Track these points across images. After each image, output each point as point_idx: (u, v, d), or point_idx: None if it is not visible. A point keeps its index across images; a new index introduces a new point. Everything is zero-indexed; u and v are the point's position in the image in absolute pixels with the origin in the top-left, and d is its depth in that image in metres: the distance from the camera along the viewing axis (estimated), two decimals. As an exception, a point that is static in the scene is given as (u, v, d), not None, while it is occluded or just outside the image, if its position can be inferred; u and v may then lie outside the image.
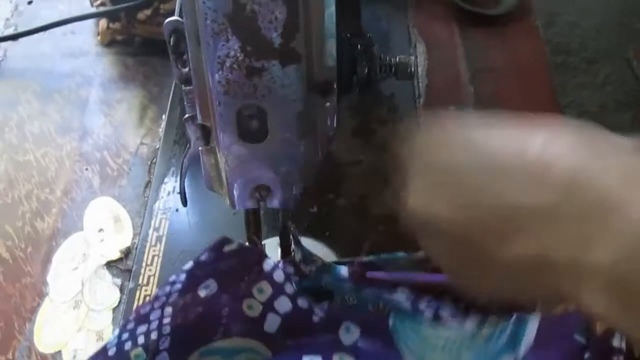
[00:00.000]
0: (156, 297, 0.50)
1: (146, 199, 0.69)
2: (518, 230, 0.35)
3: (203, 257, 0.50)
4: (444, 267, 0.42)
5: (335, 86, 0.44)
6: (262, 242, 0.57)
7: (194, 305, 0.50)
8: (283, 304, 0.51)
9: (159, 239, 0.65)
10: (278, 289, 0.51)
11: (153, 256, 0.63)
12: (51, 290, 0.63)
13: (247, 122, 0.43)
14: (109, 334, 0.59)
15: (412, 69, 0.48)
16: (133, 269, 0.63)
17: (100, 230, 0.67)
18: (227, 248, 0.50)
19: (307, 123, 0.43)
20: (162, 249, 0.64)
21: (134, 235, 0.66)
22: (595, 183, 0.33)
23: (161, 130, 0.76)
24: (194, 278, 0.50)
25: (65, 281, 0.63)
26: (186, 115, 0.47)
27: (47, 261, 0.65)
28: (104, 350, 0.48)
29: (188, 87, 0.45)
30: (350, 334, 0.52)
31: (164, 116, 0.77)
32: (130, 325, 0.49)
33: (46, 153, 0.75)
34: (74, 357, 0.59)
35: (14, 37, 0.86)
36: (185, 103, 0.46)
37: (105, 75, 0.84)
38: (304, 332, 0.52)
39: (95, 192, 0.71)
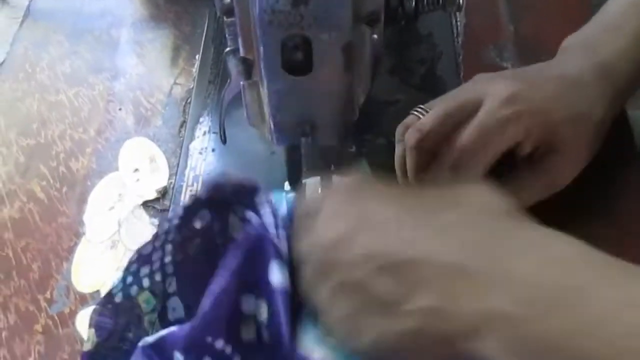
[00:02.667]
0: (156, 236, 0.47)
1: (181, 139, 0.68)
2: (421, 283, 0.35)
3: (200, 192, 0.47)
4: (331, 314, 0.38)
5: (382, 17, 0.43)
6: (303, 182, 0.56)
7: (191, 238, 0.47)
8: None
9: (195, 178, 0.64)
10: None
11: (190, 196, 0.63)
12: (88, 230, 0.63)
13: (292, 54, 0.42)
14: (147, 273, 0.59)
15: (461, 1, 0.47)
16: (170, 208, 0.62)
17: (136, 170, 0.66)
18: (222, 180, 0.47)
19: (353, 55, 0.42)
20: (199, 188, 0.63)
21: (170, 175, 0.65)
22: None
23: (195, 70, 0.75)
24: (190, 211, 0.47)
25: (101, 221, 0.63)
26: (227, 49, 0.46)
27: (82, 201, 0.65)
28: (109, 296, 0.46)
29: (230, 19, 0.43)
30: None
31: (197, 56, 0.76)
32: (133, 268, 0.47)
33: (78, 93, 0.74)
34: (113, 296, 0.58)
35: (43, -23, 0.85)
36: (226, 35, 0.45)
37: (136, 15, 0.82)
38: None
39: (129, 132, 0.70)
